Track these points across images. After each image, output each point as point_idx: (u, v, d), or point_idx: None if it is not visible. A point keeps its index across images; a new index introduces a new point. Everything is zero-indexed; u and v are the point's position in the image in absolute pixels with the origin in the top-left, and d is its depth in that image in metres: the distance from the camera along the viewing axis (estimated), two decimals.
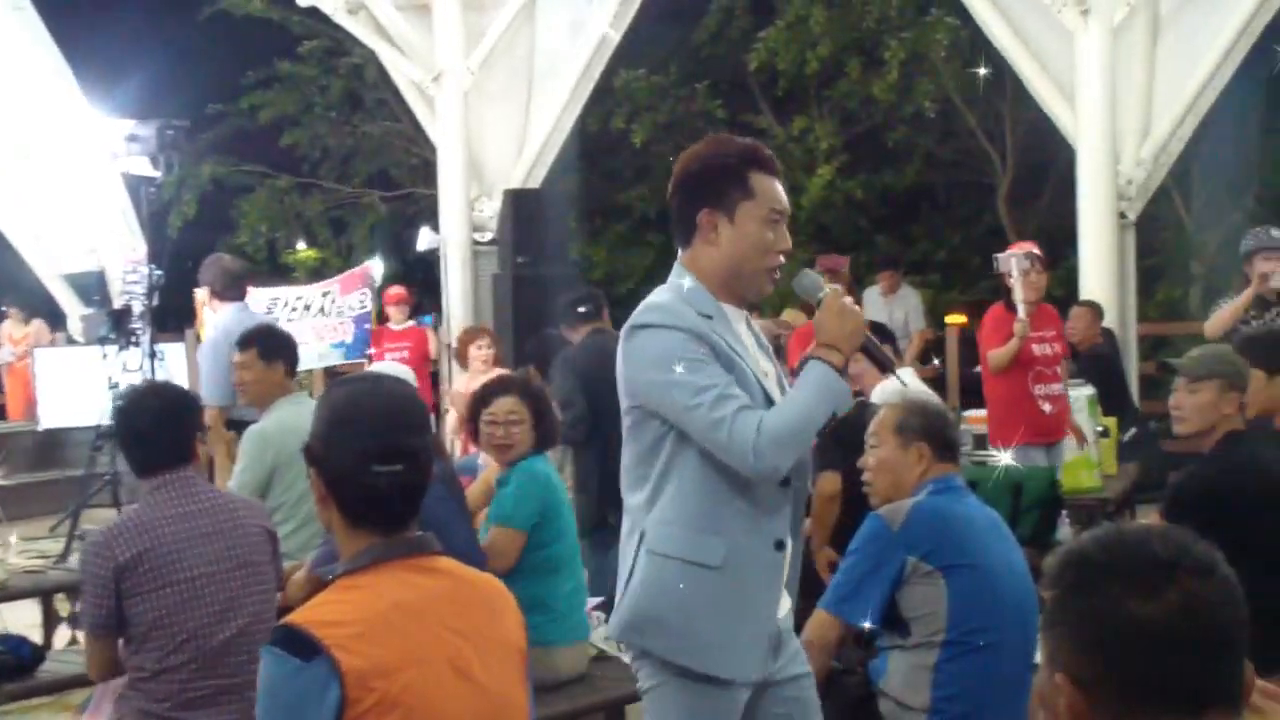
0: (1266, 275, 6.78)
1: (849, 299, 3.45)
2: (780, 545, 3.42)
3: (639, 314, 3.37)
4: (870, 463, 4.59)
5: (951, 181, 16.55)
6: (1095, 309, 9.88)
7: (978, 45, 13.04)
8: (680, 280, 3.41)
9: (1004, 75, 13.64)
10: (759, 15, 15.75)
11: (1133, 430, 8.85)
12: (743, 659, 3.37)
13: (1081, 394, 8.02)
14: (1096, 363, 9.16)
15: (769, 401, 3.36)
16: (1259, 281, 6.80)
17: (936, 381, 11.93)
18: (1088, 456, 7.91)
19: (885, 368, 3.63)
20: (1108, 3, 10.25)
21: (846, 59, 15.12)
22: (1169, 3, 10.53)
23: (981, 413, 8.44)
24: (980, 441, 8.31)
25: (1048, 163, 14.43)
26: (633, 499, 3.42)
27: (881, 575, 4.25)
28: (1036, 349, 7.85)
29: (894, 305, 11.81)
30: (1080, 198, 10.62)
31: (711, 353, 3.30)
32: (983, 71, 13.69)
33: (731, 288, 3.42)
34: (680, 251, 3.48)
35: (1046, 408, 7.82)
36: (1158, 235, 14.68)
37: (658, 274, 14.19)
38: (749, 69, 15.39)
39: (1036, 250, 8.10)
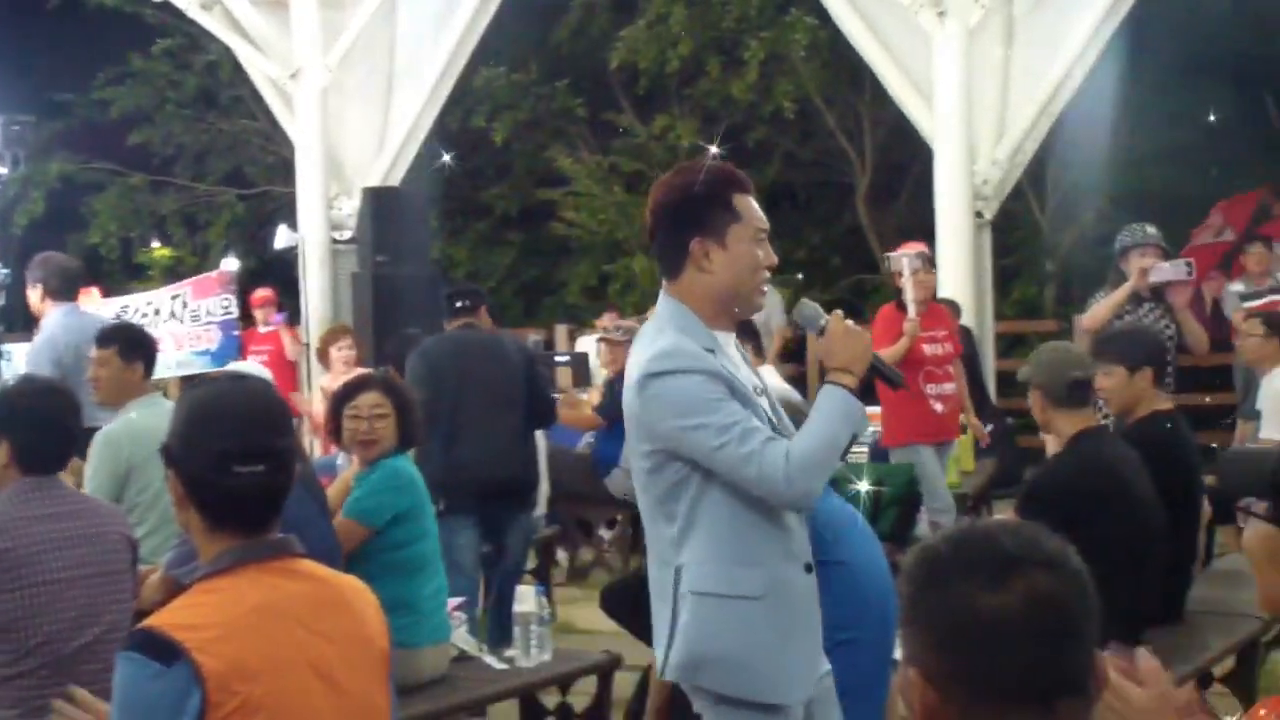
0: (1145, 271, 6.90)
1: (850, 322, 3.50)
2: (809, 568, 3.50)
3: (651, 362, 3.36)
4: None
5: (811, 181, 16.69)
6: (953, 308, 10.02)
7: (836, 46, 13.16)
8: (672, 314, 3.44)
9: (862, 76, 13.79)
10: (620, 13, 15.75)
11: (990, 427, 8.98)
12: (795, 682, 3.46)
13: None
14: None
15: (772, 423, 3.42)
16: (1137, 277, 6.92)
17: (798, 380, 12.03)
18: (955, 455, 8.05)
19: (895, 385, 3.69)
20: (964, 4, 10.39)
21: (707, 58, 15.18)
22: (1022, 5, 10.70)
23: None
24: None
25: (906, 163, 14.61)
26: (659, 531, 3.44)
27: None
28: (928, 348, 7.93)
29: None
30: (938, 197, 10.74)
31: (727, 389, 3.35)
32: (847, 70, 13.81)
33: (727, 310, 3.47)
34: (666, 282, 3.50)
35: (938, 407, 7.90)
36: (1013, 234, 14.95)
37: (519, 272, 14.11)
38: (610, 67, 15.38)
39: (926, 249, 8.19)
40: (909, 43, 10.78)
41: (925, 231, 11.20)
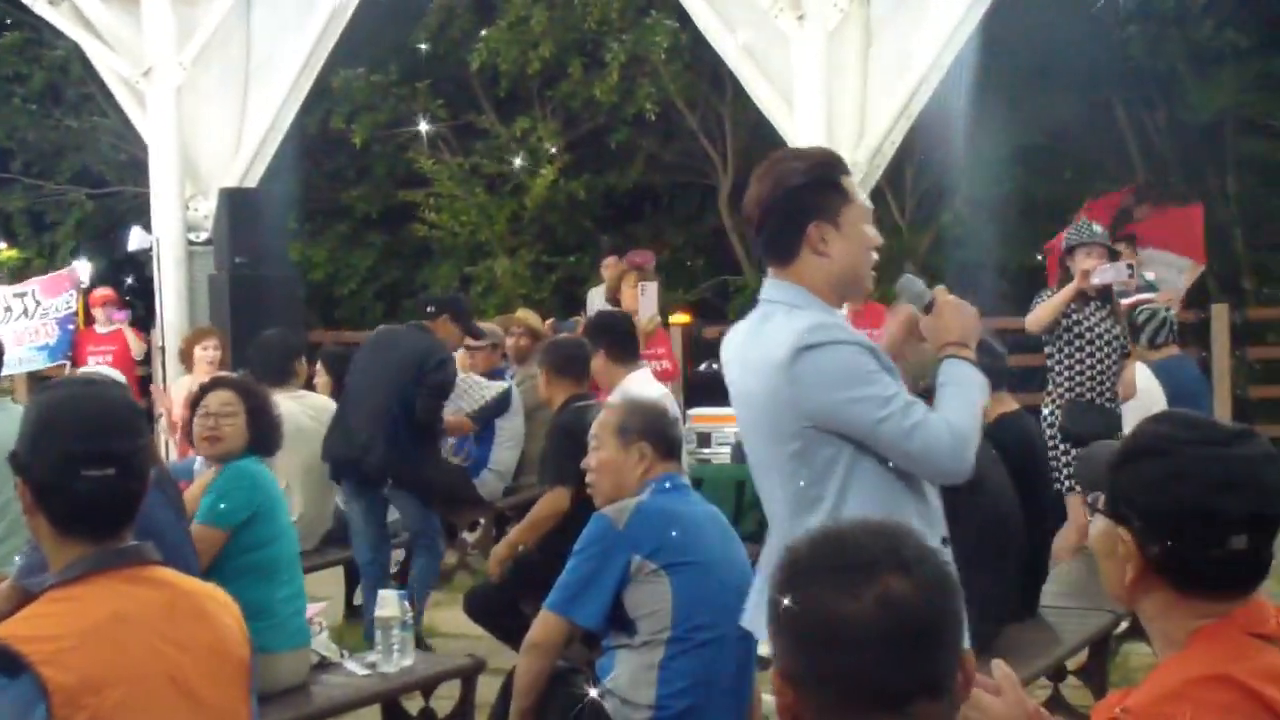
0: (1087, 272, 6.98)
1: (953, 296, 3.52)
2: (945, 541, 3.42)
3: (805, 334, 3.28)
4: (592, 464, 4.60)
5: (674, 183, 16.73)
6: None
7: (697, 48, 13.22)
8: (800, 299, 3.39)
9: (723, 78, 13.86)
10: (480, 14, 15.67)
11: None
12: None
13: None
14: None
15: None
16: (1081, 277, 6.99)
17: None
18: None
19: (997, 352, 3.65)
20: (822, 7, 10.49)
21: (568, 60, 15.15)
22: (880, 9, 10.83)
23: (707, 410, 8.53)
24: (704, 439, 8.42)
25: None
26: (799, 523, 3.29)
27: (607, 575, 4.26)
28: None
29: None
30: None
31: (877, 361, 3.32)
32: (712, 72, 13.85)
33: (842, 293, 3.47)
34: (776, 269, 3.46)
35: None
36: None
37: (380, 274, 13.97)
38: (471, 69, 15.29)
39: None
40: (769, 45, 10.85)
41: None
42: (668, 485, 4.51)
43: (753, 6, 10.70)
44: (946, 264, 14.60)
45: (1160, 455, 2.28)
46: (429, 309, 7.69)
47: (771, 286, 3.48)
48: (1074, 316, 7.06)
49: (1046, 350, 7.30)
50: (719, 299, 16.00)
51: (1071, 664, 5.56)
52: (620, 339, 6.97)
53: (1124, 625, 5.66)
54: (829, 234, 3.39)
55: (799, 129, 10.77)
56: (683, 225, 16.64)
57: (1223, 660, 2.18)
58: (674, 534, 4.34)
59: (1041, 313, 7.09)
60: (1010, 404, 5.59)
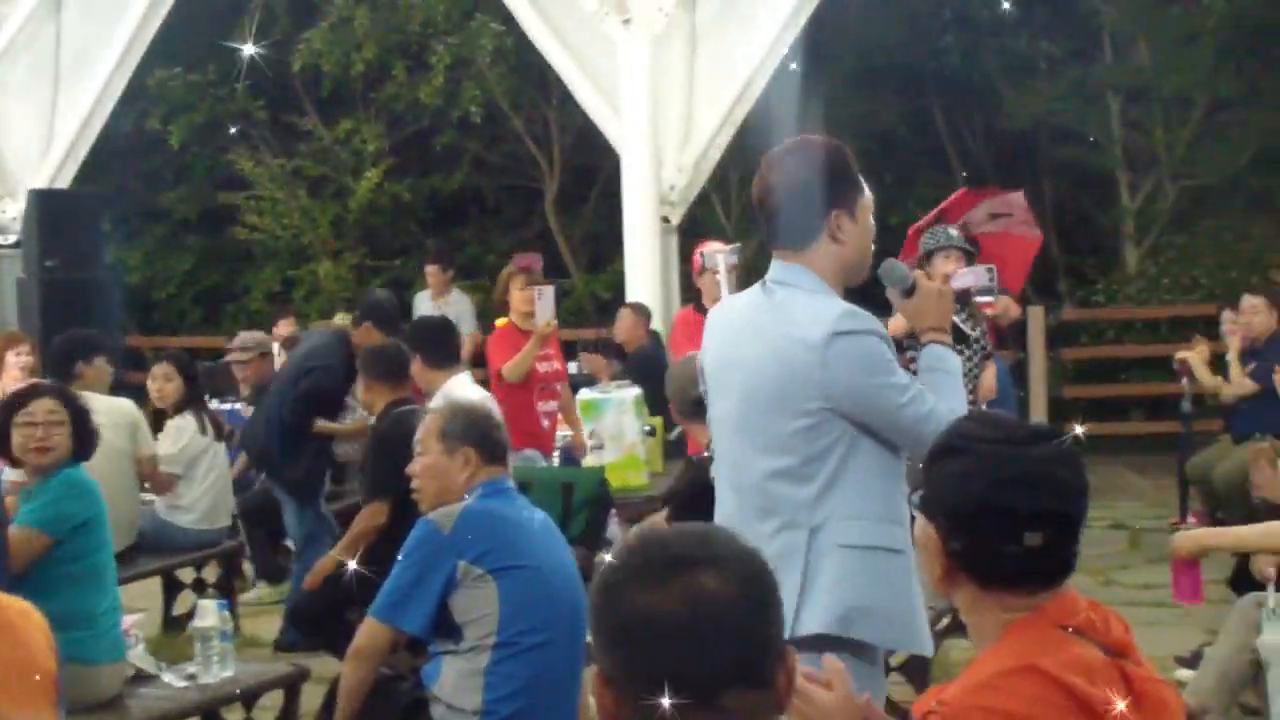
0: (946, 276, 6.99)
1: (935, 282, 3.72)
2: None
3: (840, 320, 3.44)
4: (417, 469, 4.55)
5: (500, 185, 16.64)
6: (641, 311, 10.12)
7: (524, 51, 13.17)
8: (814, 284, 3.52)
9: (550, 82, 13.84)
10: (301, 15, 15.43)
11: (678, 429, 9.08)
12: (928, 634, 3.61)
13: (628, 395, 8.14)
14: (643, 363, 9.35)
15: None
16: (939, 282, 6.95)
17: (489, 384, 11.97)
18: (635, 456, 8.07)
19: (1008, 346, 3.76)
20: (648, 12, 10.53)
21: (392, 62, 15.00)
22: (705, 15, 10.91)
23: None
24: None
25: (594, 168, 14.71)
26: (789, 493, 3.47)
27: (433, 580, 4.22)
28: (541, 366, 7.93)
29: (444, 308, 11.76)
30: (625, 203, 10.86)
31: (893, 353, 3.53)
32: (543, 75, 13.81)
33: (845, 279, 3.60)
34: (789, 253, 3.56)
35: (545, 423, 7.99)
36: (699, 239, 15.20)
37: (199, 278, 13.67)
38: (292, 69, 15.05)
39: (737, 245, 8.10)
40: (595, 50, 10.87)
41: (614, 237, 11.32)
42: (495, 489, 4.47)
43: (578, 11, 10.70)
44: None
45: (959, 454, 2.36)
46: (355, 313, 7.96)
47: (781, 269, 3.57)
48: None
49: (909, 354, 7.32)
50: None
51: (894, 660, 5.62)
52: (437, 343, 6.93)
53: (945, 621, 5.74)
54: (845, 222, 3.54)
55: (625, 133, 10.81)
56: (509, 229, 16.57)
57: (1031, 652, 2.24)
58: (501, 538, 4.31)
59: (899, 318, 7.09)
60: None
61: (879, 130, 15.60)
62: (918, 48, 15.15)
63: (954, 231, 7.28)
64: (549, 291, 7.88)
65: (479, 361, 12.63)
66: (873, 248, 3.63)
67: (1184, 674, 5.73)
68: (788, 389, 3.47)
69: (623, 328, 9.97)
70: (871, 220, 3.62)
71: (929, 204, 12.37)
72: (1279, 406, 8.46)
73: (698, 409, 5.08)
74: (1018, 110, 14.97)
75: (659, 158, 10.80)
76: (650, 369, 8.79)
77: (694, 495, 4.92)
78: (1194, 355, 9.24)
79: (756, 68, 10.74)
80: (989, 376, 7.28)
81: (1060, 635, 2.27)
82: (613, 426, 7.95)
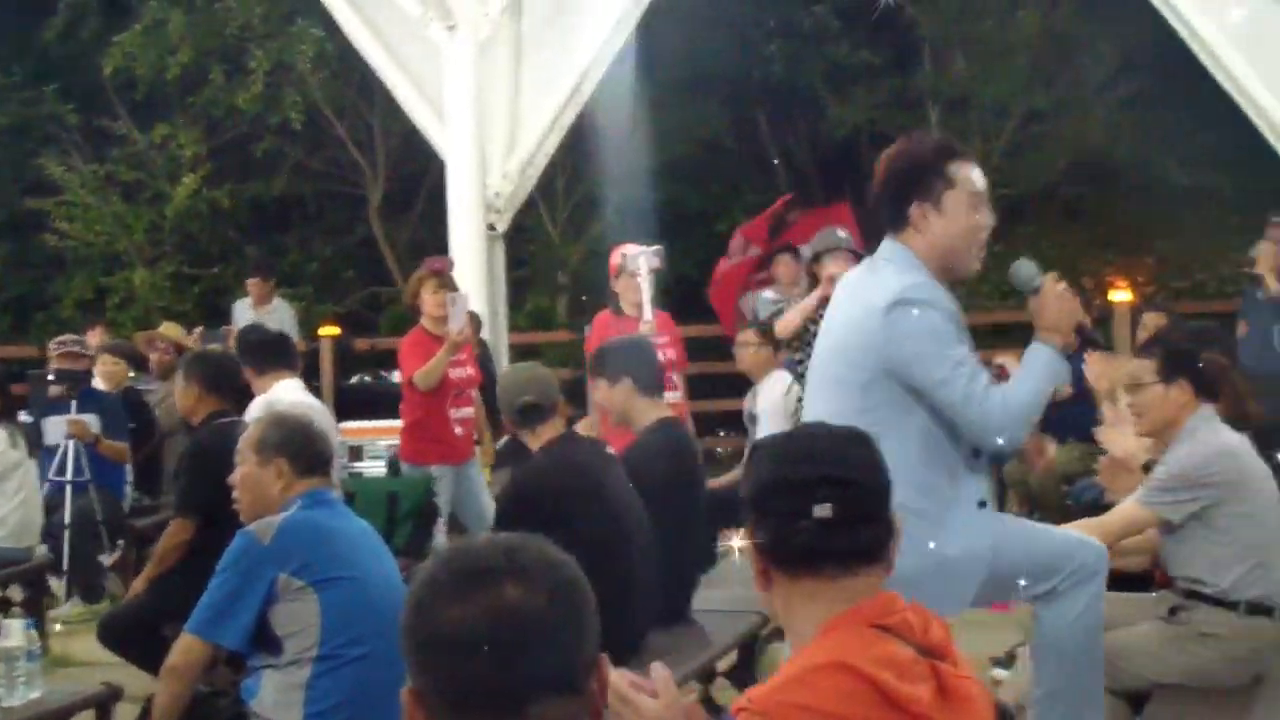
0: (833, 278, 6.96)
1: (1062, 285, 3.89)
2: (983, 504, 3.81)
3: (906, 290, 3.71)
4: (236, 479, 4.44)
5: (322, 192, 16.41)
6: (471, 319, 10.00)
7: (346, 56, 12.99)
8: (907, 261, 3.80)
9: (373, 87, 13.66)
10: (112, 16, 15.03)
11: (505, 438, 9.01)
12: (945, 598, 3.51)
13: None
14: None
15: None
16: (826, 283, 6.92)
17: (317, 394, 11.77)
18: None
19: (1097, 345, 4.15)
20: (473, 18, 10.44)
21: (210, 66, 14.70)
22: (532, 21, 10.86)
23: (358, 424, 8.38)
24: (356, 453, 8.26)
25: (419, 175, 14.58)
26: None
27: (251, 593, 4.12)
28: (454, 373, 7.78)
29: (266, 317, 11.54)
30: (450, 209, 10.76)
31: (957, 332, 3.74)
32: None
33: (944, 265, 3.83)
34: (890, 236, 3.88)
35: (459, 430, 7.70)
36: (526, 246, 15.16)
37: (7, 285, 13.18)
38: (104, 72, 14.65)
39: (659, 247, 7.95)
40: (419, 55, 10.75)
41: (439, 244, 11.20)
42: (316, 500, 4.37)
43: (402, 16, 10.57)
44: (600, 273, 14.72)
45: (760, 448, 2.49)
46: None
47: (886, 247, 3.89)
48: (821, 324, 7.07)
49: (797, 357, 7.32)
50: (370, 311, 15.77)
51: (722, 665, 5.63)
52: (262, 349, 6.78)
53: (771, 626, 5.76)
54: (930, 213, 3.79)
55: (450, 139, 10.70)
56: (332, 236, 16.35)
57: (843, 650, 2.28)
58: (322, 549, 4.21)
59: (790, 319, 7.09)
60: (663, 410, 5.63)
61: (706, 138, 15.70)
62: (744, 56, 15.29)
63: (842, 234, 7.29)
64: (463, 298, 7.71)
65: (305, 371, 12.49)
66: (979, 240, 3.85)
67: (999, 673, 5.83)
68: (856, 346, 3.78)
69: None
70: (971, 215, 3.81)
71: (754, 210, 12.52)
72: (1089, 411, 8.65)
73: (526, 417, 5.05)
74: (840, 118, 15.17)
75: (485, 164, 10.71)
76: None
77: (517, 504, 4.86)
78: (1010, 359, 9.42)
79: (583, 74, 10.72)
80: None
81: (873, 634, 2.30)
82: None
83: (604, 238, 15.22)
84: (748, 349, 7.88)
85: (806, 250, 7.39)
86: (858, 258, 7.25)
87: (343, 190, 16.23)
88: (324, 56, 14.13)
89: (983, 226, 3.85)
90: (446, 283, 7.90)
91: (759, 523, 2.39)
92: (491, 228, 10.82)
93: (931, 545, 3.64)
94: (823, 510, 2.32)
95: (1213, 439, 4.59)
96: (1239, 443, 4.66)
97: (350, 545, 4.32)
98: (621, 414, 5.58)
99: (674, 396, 7.85)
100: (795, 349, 7.36)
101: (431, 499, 7.02)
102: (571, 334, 12.78)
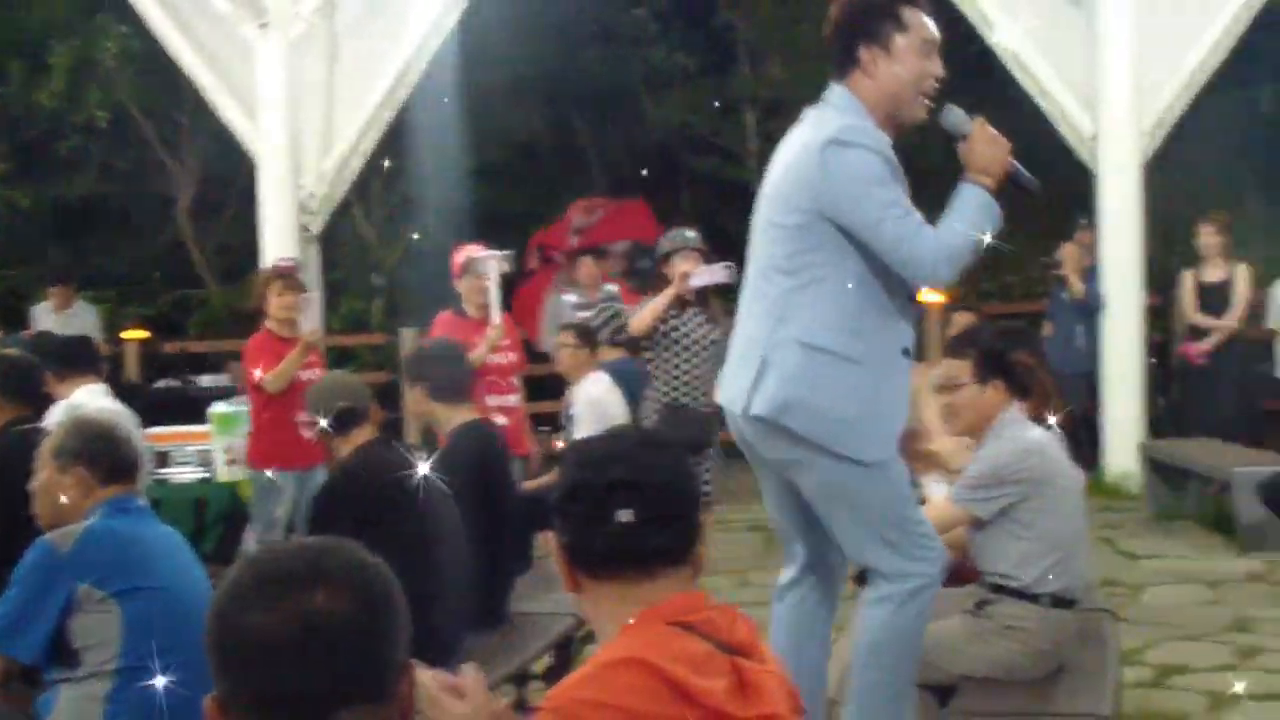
0: (685, 275, 6.91)
1: (990, 129, 3.89)
2: (906, 352, 3.89)
3: (842, 131, 3.76)
4: (34, 487, 4.30)
5: (129, 193, 16.00)
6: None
7: (153, 54, 12.67)
8: (849, 105, 3.84)
9: (182, 86, 13.35)
10: None
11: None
12: (870, 442, 3.80)
13: None
14: None
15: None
16: (679, 281, 6.90)
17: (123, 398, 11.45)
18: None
19: (1033, 190, 3.97)
20: (286, 16, 10.27)
21: (8, 62, 14.24)
22: (345, 19, 10.73)
23: (166, 429, 8.18)
24: (163, 458, 8.06)
25: (230, 175, 14.28)
26: (769, 284, 3.85)
27: (49, 604, 4.00)
28: (490, 359, 7.56)
29: (68, 321, 11.21)
30: (263, 211, 10.58)
31: (892, 175, 3.76)
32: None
33: (889, 112, 3.87)
34: (836, 79, 3.91)
35: (500, 419, 7.45)
36: (340, 249, 14.96)
37: None
38: None
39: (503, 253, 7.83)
40: (230, 54, 10.56)
41: (251, 246, 11.00)
42: (119, 508, 4.25)
43: (213, 13, 10.36)
44: (416, 276, 14.60)
45: (567, 451, 2.51)
46: None
47: (830, 90, 3.92)
48: (671, 322, 7.06)
49: (648, 355, 7.30)
50: (179, 314, 15.41)
51: (539, 667, 5.61)
52: (60, 353, 6.60)
53: (586, 627, 5.76)
54: (880, 57, 3.84)
55: (262, 140, 10.52)
56: (139, 237, 15.95)
57: (639, 646, 2.29)
58: (125, 558, 4.10)
59: (643, 316, 7.06)
60: (468, 414, 5.61)
61: (524, 140, 15.67)
62: (562, 59, 15.29)
63: (690, 234, 7.30)
64: (314, 298, 7.56)
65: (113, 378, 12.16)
66: (929, 85, 3.87)
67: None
68: (791, 187, 3.83)
69: None
70: (920, 61, 3.84)
71: None
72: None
73: (341, 420, 4.98)
74: (657, 122, 15.25)
75: (299, 166, 10.55)
76: None
77: (330, 506, 4.80)
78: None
79: (400, 75, 10.62)
80: None
81: (672, 631, 2.31)
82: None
83: (421, 240, 15.12)
84: (565, 350, 7.86)
85: (658, 249, 7.37)
86: (705, 257, 7.30)
87: (150, 191, 15.84)
88: (130, 54, 13.78)
89: (931, 74, 3.89)
90: (293, 284, 7.78)
91: (563, 526, 2.39)
92: (305, 229, 10.66)
93: (864, 390, 3.77)
94: (624, 515, 2.32)
95: (1021, 436, 4.70)
96: (1046, 440, 4.77)
97: (155, 553, 4.22)
98: (423, 418, 5.60)
99: (513, 400, 7.79)
100: (647, 349, 7.34)
101: (240, 504, 6.88)
102: (387, 336, 12.64)
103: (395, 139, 12.09)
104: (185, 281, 15.62)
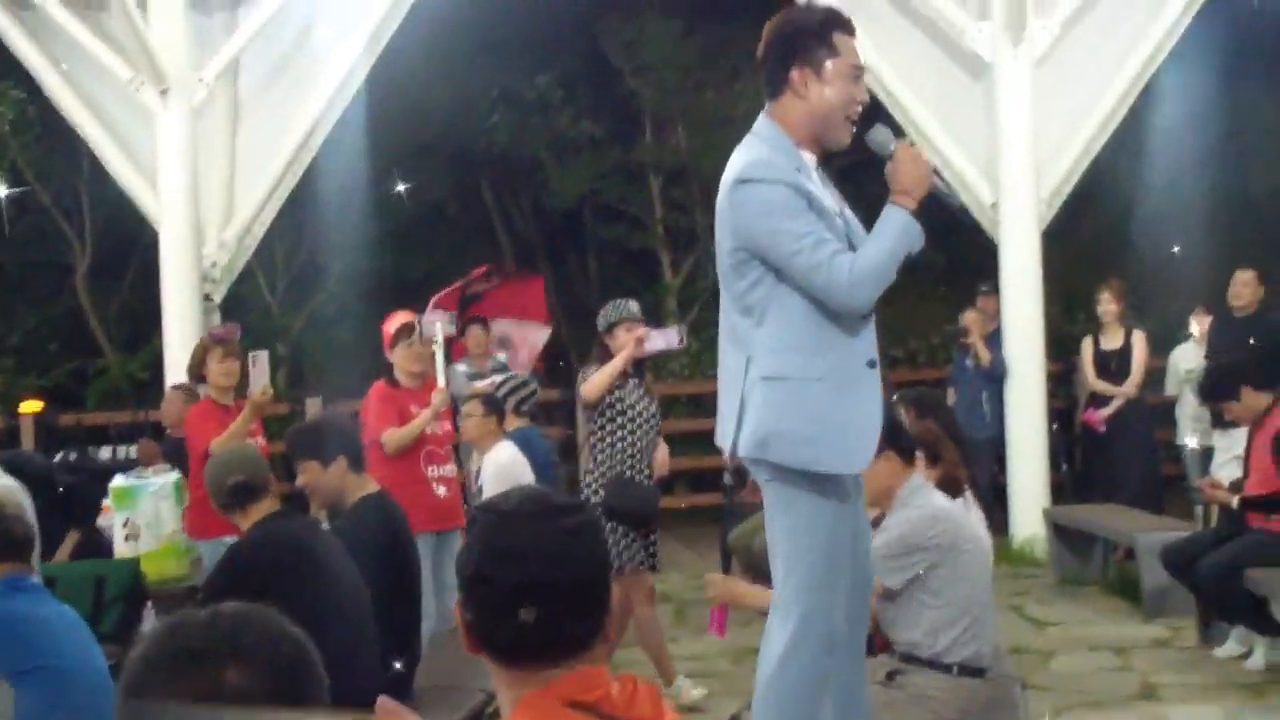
0: (641, 339, 6.85)
1: (914, 150, 3.99)
2: (872, 364, 3.96)
3: (745, 169, 3.88)
4: None
5: (25, 261, 15.73)
6: (190, 394, 9.64)
7: (51, 120, 12.50)
8: (769, 133, 3.95)
9: (80, 153, 13.17)
10: None
11: None
12: (850, 455, 3.89)
13: (167, 480, 7.66)
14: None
15: (846, 236, 3.93)
16: (634, 346, 6.81)
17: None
18: (178, 544, 7.64)
19: (956, 206, 4.20)
20: (187, 83, 10.17)
21: None
22: (247, 86, 10.65)
23: None
24: None
25: (130, 242, 14.09)
26: (736, 322, 3.97)
27: None
28: (429, 429, 7.40)
29: None
30: (164, 280, 10.42)
31: (807, 203, 3.83)
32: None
33: (816, 136, 3.97)
34: (769, 104, 4.00)
35: (440, 490, 7.30)
36: (244, 317, 14.77)
37: None
38: None
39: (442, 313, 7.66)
40: (130, 120, 10.42)
41: (152, 314, 10.83)
42: (13, 586, 4.14)
43: (111, 79, 10.23)
44: (320, 342, 14.46)
45: (473, 524, 2.34)
46: None
47: (759, 119, 4.02)
48: (616, 393, 6.98)
49: (590, 426, 7.20)
50: (77, 384, 15.14)
51: None
52: None
53: (496, 702, 5.68)
54: (810, 79, 3.93)
55: (163, 207, 10.38)
56: (36, 306, 15.67)
57: None
58: (17, 639, 3.98)
59: (597, 380, 6.96)
60: (371, 485, 5.55)
61: (430, 205, 15.63)
62: (468, 124, 15.29)
63: (634, 305, 7.22)
64: (263, 357, 7.37)
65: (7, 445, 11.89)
66: (853, 113, 3.95)
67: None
68: (720, 229, 3.98)
69: (170, 411, 9.40)
70: (848, 85, 3.92)
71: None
72: None
73: (236, 496, 4.90)
74: (563, 188, 15.27)
75: (200, 233, 10.42)
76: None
77: (229, 579, 4.70)
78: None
79: (303, 141, 10.54)
80: (661, 453, 7.23)
81: (565, 712, 2.22)
82: (149, 514, 7.47)
83: (327, 305, 15.00)
84: (472, 419, 7.78)
85: (600, 320, 7.27)
86: (648, 325, 7.27)
87: (48, 259, 15.58)
88: (26, 119, 13.58)
89: (858, 100, 3.97)
90: (231, 350, 7.64)
91: (467, 604, 2.28)
92: (208, 298, 10.52)
93: (827, 405, 3.84)
94: (528, 615, 2.21)
95: (928, 503, 4.71)
96: (952, 506, 4.79)
97: (50, 633, 4.12)
98: (335, 493, 5.50)
99: (450, 470, 7.56)
100: (600, 413, 7.18)
101: (140, 581, 6.72)
102: (291, 405, 12.48)
103: (299, 205, 11.99)
104: (84, 351, 15.36)
